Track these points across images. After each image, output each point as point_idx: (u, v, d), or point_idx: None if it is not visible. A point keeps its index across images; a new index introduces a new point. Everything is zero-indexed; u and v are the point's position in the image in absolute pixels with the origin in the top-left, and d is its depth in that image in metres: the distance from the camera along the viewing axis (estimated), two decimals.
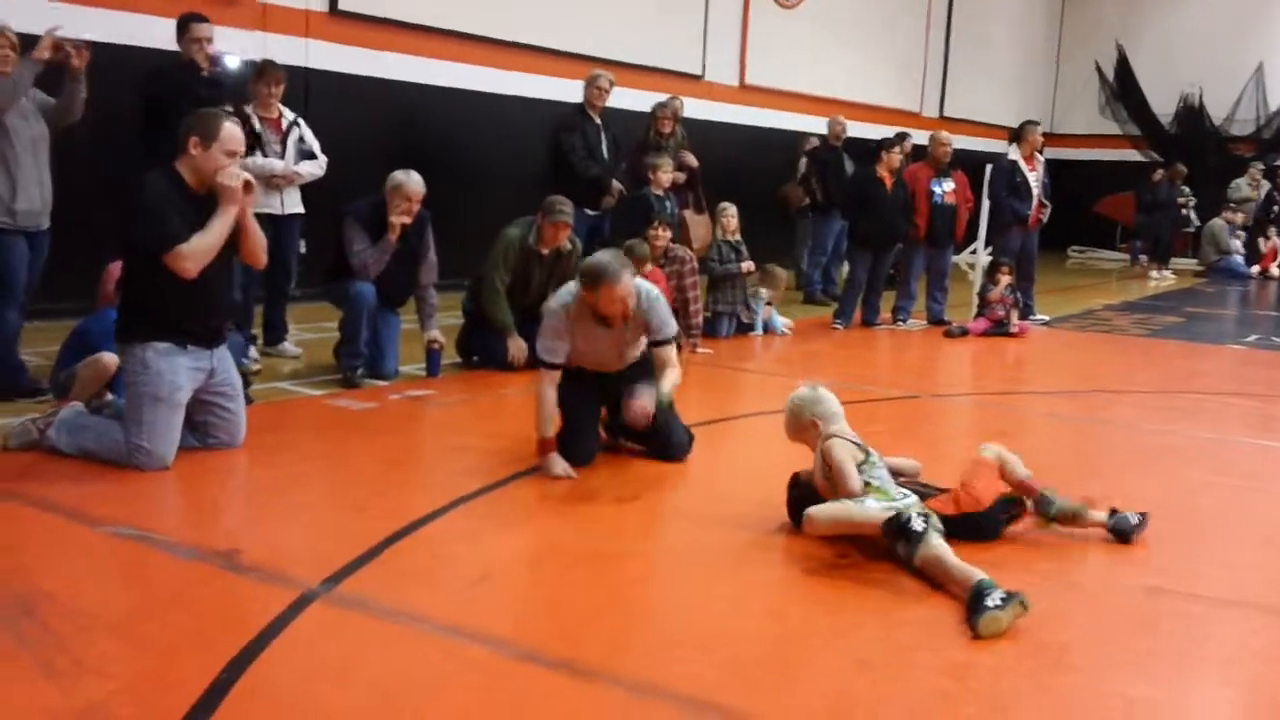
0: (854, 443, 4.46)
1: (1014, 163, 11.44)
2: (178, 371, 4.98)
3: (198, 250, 4.90)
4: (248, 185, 5.01)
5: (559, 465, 5.09)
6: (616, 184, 9.60)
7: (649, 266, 8.33)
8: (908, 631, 3.50)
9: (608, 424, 5.58)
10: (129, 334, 4.99)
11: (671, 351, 5.40)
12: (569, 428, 5.29)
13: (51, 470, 4.88)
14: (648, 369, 5.50)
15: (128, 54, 8.52)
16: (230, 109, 6.89)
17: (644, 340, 5.46)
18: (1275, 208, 19.43)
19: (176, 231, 4.87)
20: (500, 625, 3.42)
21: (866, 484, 4.28)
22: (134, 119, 7.08)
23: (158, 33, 8.66)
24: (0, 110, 5.93)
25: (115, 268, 5.93)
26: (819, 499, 4.35)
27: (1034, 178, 11.38)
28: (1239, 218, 19.28)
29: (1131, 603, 3.84)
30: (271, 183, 7.52)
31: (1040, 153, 11.68)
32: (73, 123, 6.35)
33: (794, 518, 4.43)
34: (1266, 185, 19.74)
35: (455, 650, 3.23)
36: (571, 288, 5.27)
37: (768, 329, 9.98)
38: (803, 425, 4.63)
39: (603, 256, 5.21)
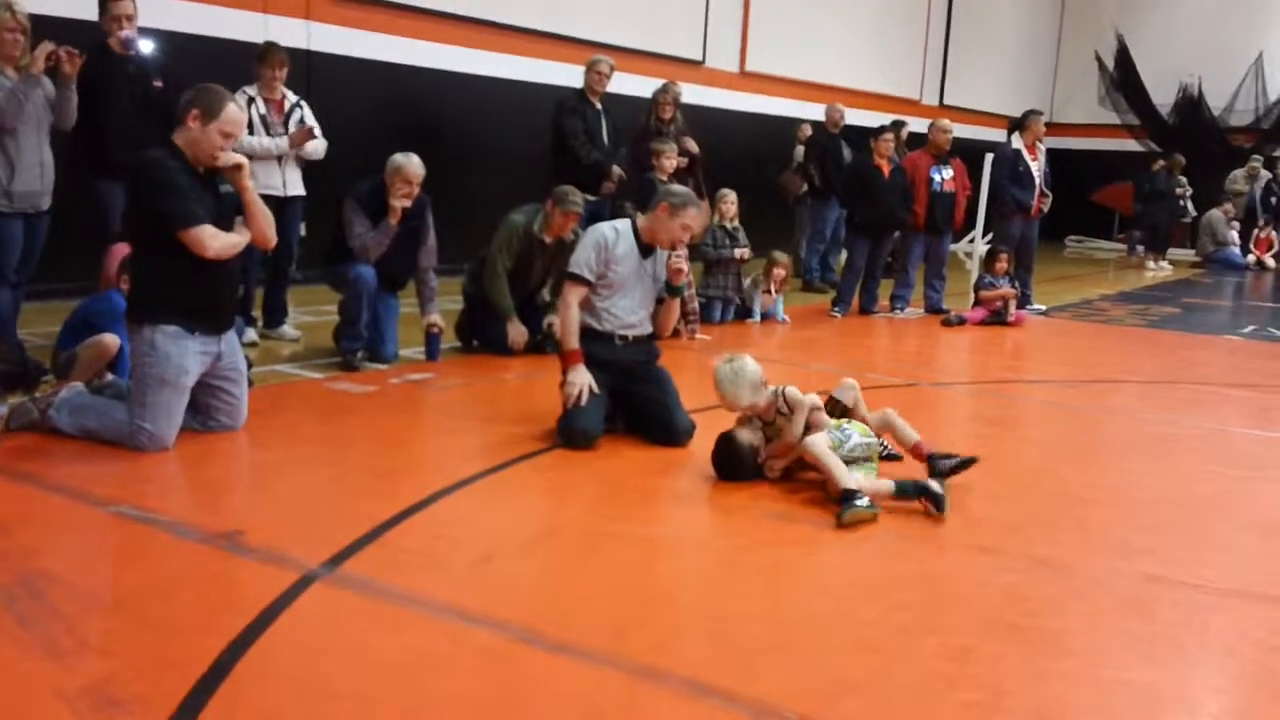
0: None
1: (1017, 151, 11.46)
2: (185, 355, 4.98)
3: (225, 245, 4.99)
4: (239, 166, 5.04)
5: (585, 375, 5.34)
6: (617, 170, 9.56)
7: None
8: (907, 615, 3.52)
9: (610, 416, 5.61)
10: (139, 315, 4.99)
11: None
12: (575, 405, 5.36)
13: (53, 450, 4.88)
14: (653, 353, 5.74)
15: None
16: (160, 85, 6.81)
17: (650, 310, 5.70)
18: (1275, 199, 19.44)
19: (195, 210, 4.88)
20: (501, 607, 3.42)
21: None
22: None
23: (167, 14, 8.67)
24: (3, 124, 5.91)
25: (118, 249, 5.93)
26: (750, 462, 4.89)
27: (1036, 167, 11.41)
28: (1231, 209, 19.31)
29: (1130, 590, 3.86)
30: (273, 164, 7.49)
31: (1040, 142, 11.70)
32: (66, 129, 6.29)
33: (725, 472, 4.92)
34: (1266, 176, 19.74)
35: (456, 632, 3.25)
36: (624, 223, 5.64)
37: (766, 316, 10.00)
38: (758, 384, 4.95)
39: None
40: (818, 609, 3.60)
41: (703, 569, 3.97)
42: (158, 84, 6.82)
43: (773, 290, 10.04)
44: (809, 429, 4.83)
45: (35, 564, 3.57)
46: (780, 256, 10.17)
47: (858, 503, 4.37)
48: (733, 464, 4.90)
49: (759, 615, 3.50)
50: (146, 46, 6.65)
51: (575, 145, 9.40)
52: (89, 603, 3.32)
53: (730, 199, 9.88)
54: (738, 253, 9.69)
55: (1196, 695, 3.17)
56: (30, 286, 6.55)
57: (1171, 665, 3.32)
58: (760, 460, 4.92)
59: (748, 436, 4.94)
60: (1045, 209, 11.58)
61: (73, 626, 3.13)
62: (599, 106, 9.69)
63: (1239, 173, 19.83)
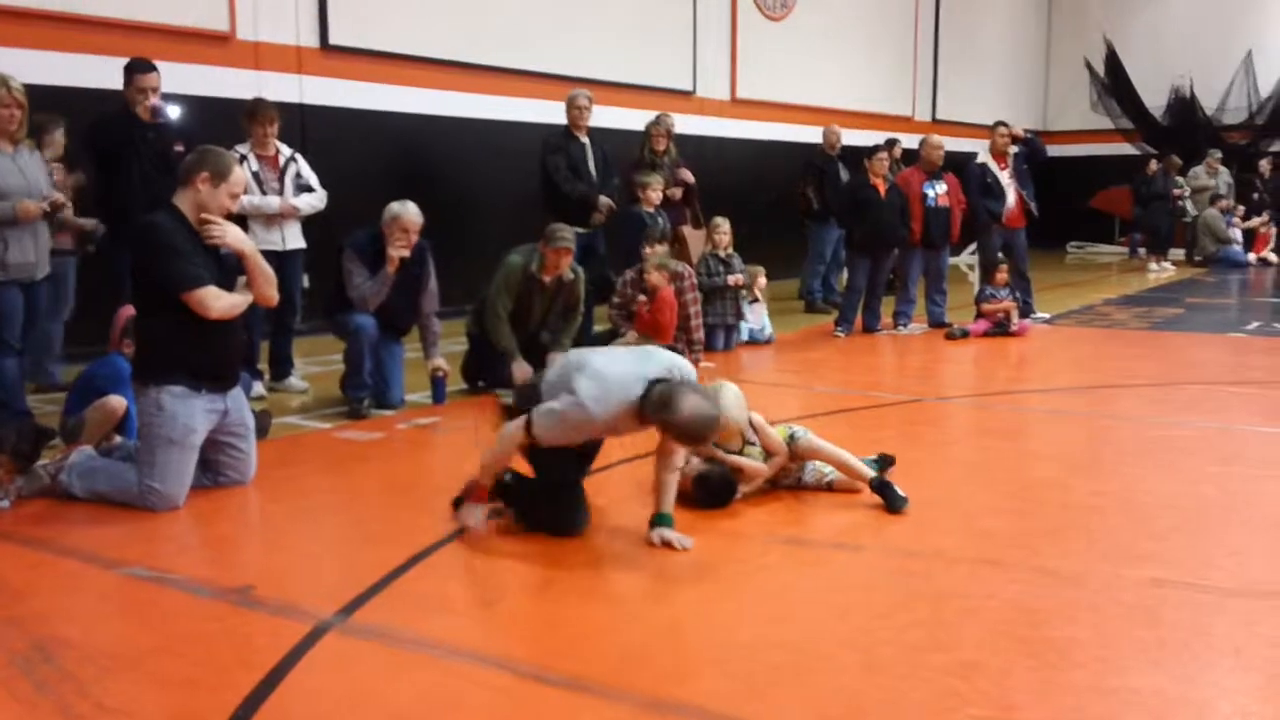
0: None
1: (983, 165, 11.44)
2: (193, 414, 5.03)
3: (228, 306, 5.07)
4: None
5: (478, 514, 4.64)
6: (605, 200, 9.47)
7: (654, 277, 8.43)
8: (917, 633, 3.54)
9: None
10: (145, 376, 5.05)
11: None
12: (552, 496, 4.70)
13: (65, 515, 4.92)
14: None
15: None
16: (181, 149, 6.91)
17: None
18: (1256, 194, 19.52)
19: (198, 273, 4.96)
20: (512, 647, 3.46)
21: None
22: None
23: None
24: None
25: (123, 312, 5.98)
26: (727, 480, 4.94)
27: (1005, 175, 11.38)
28: (1228, 205, 19.34)
29: (1136, 596, 3.87)
30: (272, 219, 7.57)
31: (1019, 146, 11.61)
32: None
33: (715, 501, 4.93)
34: (1225, 172, 19.76)
35: (469, 674, 3.27)
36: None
37: (753, 339, 10.07)
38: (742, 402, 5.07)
39: None
40: (827, 631, 3.61)
41: (710, 596, 3.97)
42: (179, 148, 6.92)
43: (759, 297, 10.18)
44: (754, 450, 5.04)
45: (49, 629, 3.60)
46: (754, 268, 10.32)
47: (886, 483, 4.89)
48: (718, 496, 4.94)
49: (768, 640, 3.52)
50: (174, 112, 6.79)
51: (558, 180, 9.36)
52: (103, 665, 3.34)
53: (723, 228, 9.95)
54: (731, 279, 9.73)
55: (1206, 698, 3.17)
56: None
57: (1181, 669, 3.33)
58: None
59: (711, 467, 5.00)
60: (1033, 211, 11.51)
61: (88, 690, 3.16)
62: (584, 140, 9.65)
63: (1199, 168, 19.84)
